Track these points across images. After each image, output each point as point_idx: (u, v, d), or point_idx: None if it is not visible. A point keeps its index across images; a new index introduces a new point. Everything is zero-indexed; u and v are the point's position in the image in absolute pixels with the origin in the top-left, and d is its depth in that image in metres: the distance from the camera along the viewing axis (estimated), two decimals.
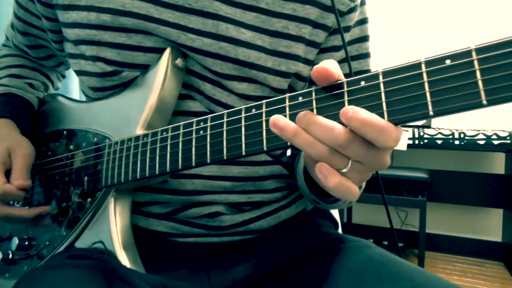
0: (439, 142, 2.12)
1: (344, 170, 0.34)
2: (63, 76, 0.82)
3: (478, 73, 0.28)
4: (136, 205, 0.57)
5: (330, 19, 0.56)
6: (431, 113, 0.29)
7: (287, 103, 0.37)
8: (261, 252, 0.58)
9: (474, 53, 0.28)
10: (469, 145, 2.11)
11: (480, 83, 0.27)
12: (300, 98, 0.37)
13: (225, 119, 0.41)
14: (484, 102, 0.27)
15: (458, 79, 0.28)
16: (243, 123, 0.40)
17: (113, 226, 0.51)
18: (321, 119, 0.33)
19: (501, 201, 2.49)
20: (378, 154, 0.33)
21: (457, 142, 2.11)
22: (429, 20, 2.58)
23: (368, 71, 0.62)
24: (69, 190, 0.58)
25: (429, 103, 0.29)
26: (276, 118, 0.35)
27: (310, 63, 0.57)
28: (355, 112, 0.31)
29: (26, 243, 0.61)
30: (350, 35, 0.60)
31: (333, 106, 0.35)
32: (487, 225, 2.55)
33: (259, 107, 0.39)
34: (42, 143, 0.66)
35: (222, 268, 0.56)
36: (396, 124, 0.31)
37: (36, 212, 0.58)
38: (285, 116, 0.37)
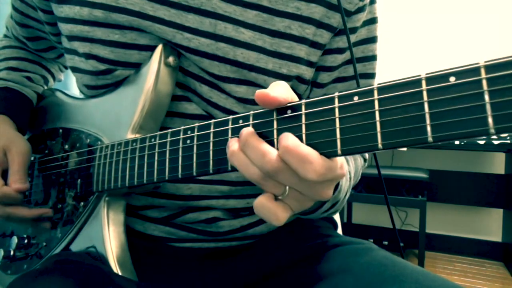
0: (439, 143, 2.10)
1: (280, 197, 0.33)
2: (66, 67, 0.80)
3: (486, 95, 0.24)
4: (133, 208, 0.55)
5: (335, 19, 0.52)
6: (429, 139, 0.25)
7: (275, 117, 0.34)
8: (260, 256, 0.56)
9: (483, 71, 0.24)
10: (469, 145, 2.09)
11: (488, 107, 0.23)
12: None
13: (211, 130, 0.39)
14: (492, 130, 0.23)
15: (463, 101, 0.24)
16: (229, 135, 0.37)
17: (106, 232, 0.50)
18: (256, 142, 0.32)
19: (501, 201, 2.48)
20: (314, 186, 0.32)
21: (457, 142, 2.09)
22: (436, 21, 2.55)
23: (373, 74, 0.59)
24: (64, 192, 0.57)
25: (428, 127, 0.26)
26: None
27: (313, 65, 0.53)
28: (282, 137, 0.31)
29: (26, 241, 0.61)
30: (356, 36, 0.55)
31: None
32: (487, 225, 2.54)
33: (246, 118, 0.36)
34: (40, 140, 0.65)
35: (218, 273, 0.55)
36: (386, 149, 0.28)
37: (37, 213, 0.57)
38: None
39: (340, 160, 0.32)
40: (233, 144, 0.34)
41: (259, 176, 0.33)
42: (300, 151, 0.30)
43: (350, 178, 0.51)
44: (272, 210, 0.33)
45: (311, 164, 0.30)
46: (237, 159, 0.33)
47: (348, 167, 0.50)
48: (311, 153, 0.30)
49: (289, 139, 0.31)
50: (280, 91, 0.33)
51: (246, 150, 0.33)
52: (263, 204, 0.33)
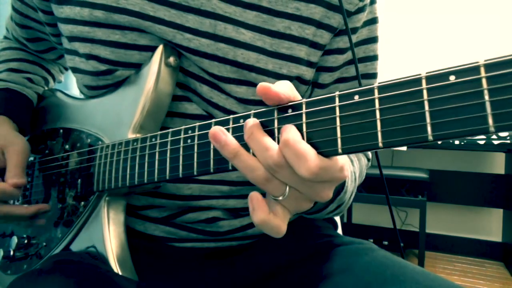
0: (439, 142, 2.10)
1: (280, 198, 0.33)
2: (66, 69, 0.81)
3: (486, 94, 0.24)
4: (133, 208, 0.56)
5: (335, 19, 0.52)
6: (430, 137, 0.26)
7: (276, 116, 0.34)
8: (259, 256, 0.56)
9: (482, 70, 0.24)
10: (469, 145, 2.10)
11: (488, 105, 0.23)
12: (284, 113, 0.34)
13: None
14: (492, 128, 0.23)
15: (463, 99, 0.24)
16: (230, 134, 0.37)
17: (106, 231, 0.50)
18: (260, 136, 0.33)
19: (501, 201, 2.49)
20: (313, 185, 0.32)
21: (457, 142, 2.10)
22: (438, 21, 2.55)
23: (374, 74, 0.59)
24: (64, 192, 0.57)
25: (428, 125, 0.26)
26: (216, 131, 0.34)
27: (314, 65, 0.54)
28: (284, 129, 0.31)
29: (26, 241, 0.61)
30: (357, 36, 0.55)
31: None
32: (487, 225, 2.55)
33: (247, 117, 0.36)
34: (41, 140, 0.65)
35: (219, 273, 0.55)
36: (386, 147, 0.28)
37: (34, 209, 0.57)
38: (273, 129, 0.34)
39: (341, 162, 0.32)
40: (229, 145, 0.34)
41: (264, 179, 0.33)
42: (298, 147, 0.30)
43: (355, 179, 0.51)
44: (275, 226, 0.33)
45: (306, 161, 0.30)
46: (242, 161, 0.33)
47: (353, 168, 0.50)
48: (308, 151, 0.30)
49: (290, 133, 0.31)
50: (282, 88, 0.33)
51: (250, 142, 0.33)
52: (267, 222, 0.33)
